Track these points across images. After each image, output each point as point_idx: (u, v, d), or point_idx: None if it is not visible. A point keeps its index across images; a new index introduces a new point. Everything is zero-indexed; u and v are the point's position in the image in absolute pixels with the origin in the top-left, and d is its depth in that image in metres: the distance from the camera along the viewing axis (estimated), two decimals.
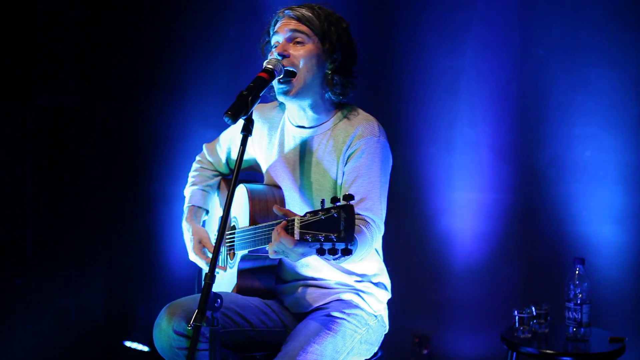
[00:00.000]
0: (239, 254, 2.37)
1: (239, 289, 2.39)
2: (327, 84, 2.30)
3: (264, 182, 2.49)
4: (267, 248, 2.01)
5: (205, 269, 2.51)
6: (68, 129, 4.03)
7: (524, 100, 3.45)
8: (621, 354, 2.79)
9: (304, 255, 1.94)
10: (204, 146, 2.68)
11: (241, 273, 2.39)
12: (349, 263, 2.21)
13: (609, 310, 3.16)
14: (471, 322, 3.55)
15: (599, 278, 3.11)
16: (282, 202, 2.37)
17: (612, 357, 2.76)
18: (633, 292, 3.22)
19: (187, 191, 2.62)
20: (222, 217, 1.97)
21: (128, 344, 3.99)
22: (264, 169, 2.49)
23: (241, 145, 2.05)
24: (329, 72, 2.28)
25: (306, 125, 2.37)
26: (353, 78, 2.32)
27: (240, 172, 2.03)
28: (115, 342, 4.02)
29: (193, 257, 2.52)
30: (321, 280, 2.38)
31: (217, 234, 2.50)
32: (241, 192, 2.40)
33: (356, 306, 2.36)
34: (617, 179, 3.25)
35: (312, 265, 2.37)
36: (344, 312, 2.31)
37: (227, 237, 2.51)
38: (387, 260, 2.49)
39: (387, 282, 2.46)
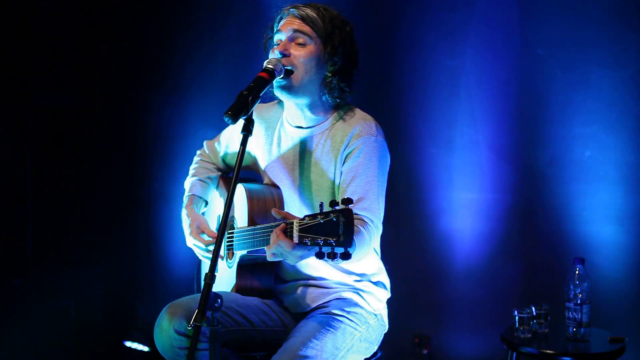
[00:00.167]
0: (238, 253, 2.37)
1: (238, 288, 2.39)
2: (326, 87, 2.29)
3: (264, 182, 2.49)
4: (265, 250, 2.01)
5: (202, 253, 2.51)
6: (68, 129, 4.03)
7: (524, 100, 3.45)
8: (621, 354, 2.79)
9: (302, 258, 1.94)
10: (204, 143, 2.70)
11: (240, 273, 2.39)
12: (346, 264, 2.21)
13: (609, 310, 3.16)
14: (471, 322, 3.55)
15: (599, 278, 3.11)
16: (280, 202, 2.37)
17: (612, 357, 2.76)
18: (633, 292, 3.22)
19: (188, 182, 2.63)
20: (221, 217, 1.97)
21: (128, 344, 3.99)
22: (262, 168, 2.49)
23: (241, 145, 2.05)
24: (329, 74, 2.28)
25: (304, 126, 2.37)
26: (352, 82, 2.32)
27: (240, 172, 2.04)
28: (115, 342, 4.02)
29: (190, 241, 2.50)
30: (321, 279, 2.39)
31: (216, 232, 2.51)
32: (240, 192, 2.40)
33: (356, 304, 2.36)
34: (617, 179, 3.25)
35: (312, 265, 2.37)
36: (344, 310, 2.32)
37: (226, 237, 2.51)
38: (386, 260, 2.49)
39: (386, 281, 2.47)
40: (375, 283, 2.42)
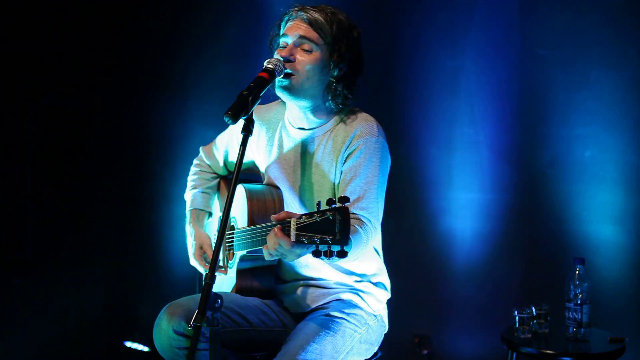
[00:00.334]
0: (238, 254, 2.37)
1: (239, 289, 2.39)
2: (330, 92, 2.28)
3: (264, 182, 2.49)
4: (263, 250, 2.01)
5: (204, 273, 2.51)
6: (68, 129, 4.03)
7: (524, 100, 3.45)
8: (621, 355, 2.79)
9: (300, 256, 1.95)
10: (200, 149, 2.68)
11: (240, 273, 2.39)
12: (344, 262, 2.21)
13: (609, 311, 3.15)
14: (471, 322, 3.55)
15: (599, 278, 3.10)
16: (280, 202, 2.37)
17: (612, 358, 2.76)
18: (633, 292, 3.22)
19: (188, 195, 2.62)
20: (221, 218, 1.97)
21: (128, 344, 3.99)
22: (262, 170, 2.49)
23: (242, 145, 2.05)
24: (333, 80, 2.26)
25: (306, 127, 2.36)
26: (356, 87, 2.32)
27: (240, 173, 2.04)
28: (115, 342, 4.02)
29: (193, 262, 2.53)
30: (321, 280, 2.38)
31: (216, 234, 2.51)
32: (240, 193, 2.40)
33: (356, 306, 2.36)
34: (617, 179, 3.25)
35: (312, 265, 2.37)
36: (344, 312, 2.32)
37: (226, 237, 2.51)
38: (387, 260, 2.49)
39: (386, 281, 2.46)
40: (376, 284, 2.42)
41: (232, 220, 2.48)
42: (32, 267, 3.86)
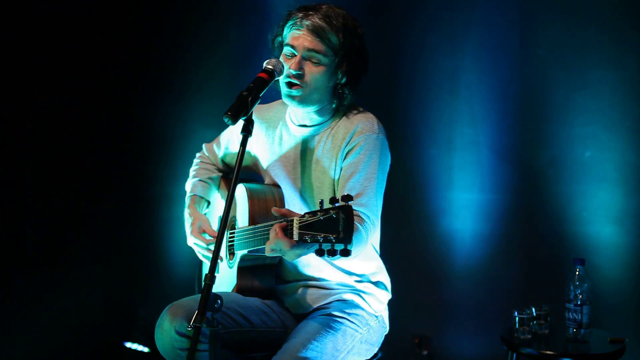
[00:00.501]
0: (239, 253, 2.37)
1: (239, 288, 2.39)
2: (336, 95, 2.31)
3: (264, 182, 2.50)
4: (265, 246, 2.02)
5: (202, 252, 2.51)
6: (68, 129, 4.03)
7: (524, 100, 3.45)
8: (621, 355, 2.79)
9: (299, 255, 1.96)
10: (203, 145, 2.70)
11: (241, 273, 2.39)
12: (343, 261, 2.22)
13: (610, 311, 3.15)
14: (471, 322, 3.55)
15: (599, 279, 3.10)
16: (281, 201, 2.38)
17: (612, 358, 2.76)
18: (633, 293, 3.22)
19: (189, 183, 2.63)
20: (222, 217, 1.97)
21: (128, 344, 3.99)
22: (263, 168, 2.49)
23: (241, 145, 2.06)
24: (340, 84, 2.29)
25: (308, 124, 2.37)
26: (358, 85, 2.33)
27: (240, 173, 2.04)
28: (115, 343, 4.02)
29: (191, 240, 2.50)
30: (322, 280, 2.39)
31: (214, 229, 2.51)
32: (241, 192, 2.40)
33: (357, 306, 2.36)
34: (617, 180, 3.25)
35: (313, 265, 2.38)
36: (345, 312, 2.32)
37: (226, 237, 2.51)
38: (387, 261, 2.49)
39: (386, 281, 2.47)
40: (376, 283, 2.42)
41: (232, 219, 2.48)
42: (32, 267, 3.86)
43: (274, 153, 2.43)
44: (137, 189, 4.19)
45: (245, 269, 2.39)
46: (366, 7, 3.59)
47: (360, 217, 2.14)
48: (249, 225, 2.32)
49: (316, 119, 2.35)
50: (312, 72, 2.24)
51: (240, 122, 2.08)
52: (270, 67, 2.18)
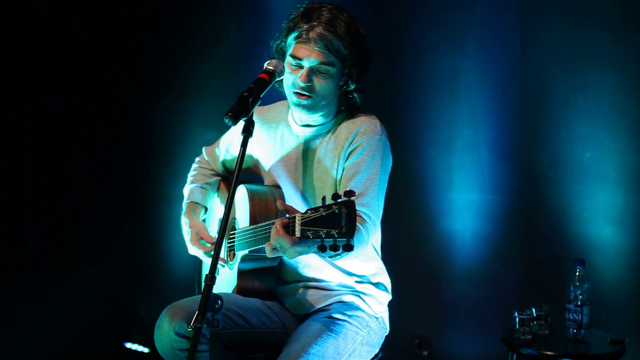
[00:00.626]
0: (239, 254, 2.37)
1: (240, 289, 2.39)
2: (343, 99, 2.33)
3: (265, 183, 2.50)
4: (265, 246, 2.01)
5: (205, 259, 2.51)
6: (68, 129, 4.03)
7: (524, 101, 3.45)
8: (621, 356, 2.79)
9: (300, 253, 1.95)
10: (203, 149, 2.69)
11: (241, 274, 2.39)
12: (344, 260, 2.22)
13: (610, 312, 3.15)
14: (471, 323, 3.55)
15: (599, 279, 3.10)
16: (282, 201, 2.37)
17: (612, 359, 2.76)
18: (634, 293, 3.22)
19: (186, 189, 2.63)
20: (222, 218, 1.97)
21: (128, 345, 3.99)
22: (265, 169, 2.49)
23: (242, 146, 2.06)
24: (348, 90, 2.31)
25: (312, 124, 2.37)
26: (361, 84, 2.34)
27: (241, 174, 2.04)
28: (115, 343, 4.02)
29: (192, 249, 2.51)
30: (322, 281, 2.39)
31: (217, 235, 2.51)
32: (241, 193, 2.41)
33: (357, 308, 2.36)
34: (617, 180, 3.25)
35: (313, 266, 2.38)
36: (345, 314, 2.32)
37: (227, 238, 2.51)
38: (387, 261, 2.49)
39: (386, 282, 2.47)
40: (376, 284, 2.42)
41: (232, 221, 2.48)
42: (32, 267, 3.86)
43: (276, 154, 2.43)
44: (137, 190, 4.19)
45: (245, 270, 2.39)
46: (366, 7, 3.59)
47: (362, 217, 2.14)
48: (250, 226, 2.32)
49: (320, 119, 2.36)
50: (321, 83, 2.24)
51: (241, 123, 2.08)
52: (271, 68, 2.19)
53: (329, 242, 1.78)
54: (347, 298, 2.36)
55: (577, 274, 2.82)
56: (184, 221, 2.54)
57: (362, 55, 2.29)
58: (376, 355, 2.43)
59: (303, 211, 1.85)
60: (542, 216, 3.42)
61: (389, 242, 2.54)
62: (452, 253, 3.56)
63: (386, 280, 2.47)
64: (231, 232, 2.48)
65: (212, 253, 2.38)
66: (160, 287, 4.10)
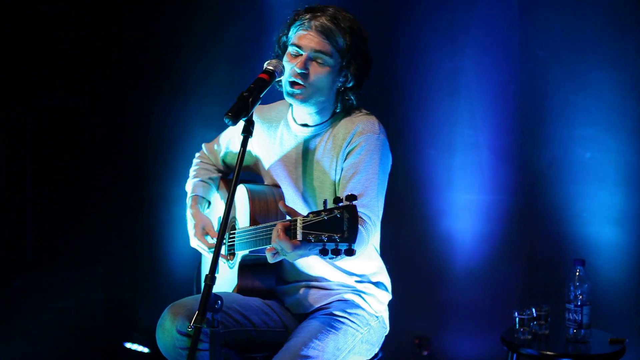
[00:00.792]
0: (240, 254, 2.37)
1: (240, 289, 2.39)
2: (340, 98, 2.32)
3: (265, 182, 2.50)
4: (266, 253, 2.01)
5: (207, 255, 2.51)
6: (68, 129, 4.03)
7: (524, 101, 3.45)
8: (621, 356, 2.79)
9: (301, 256, 1.96)
10: (203, 145, 2.70)
11: (242, 273, 2.39)
12: (345, 261, 2.22)
13: (610, 312, 3.16)
14: (471, 323, 3.55)
15: (599, 279, 3.10)
16: (283, 201, 2.37)
17: (612, 359, 2.76)
18: (633, 293, 3.22)
19: (189, 184, 2.63)
20: (222, 218, 1.97)
21: (128, 345, 3.98)
22: (265, 168, 2.49)
23: (242, 146, 2.06)
24: (342, 86, 2.30)
25: (310, 124, 2.37)
26: (361, 87, 2.33)
27: (241, 173, 2.04)
28: (115, 343, 4.01)
29: (194, 242, 2.51)
30: (322, 281, 2.39)
31: (217, 231, 2.51)
32: (241, 192, 2.41)
33: (358, 306, 2.36)
34: (617, 180, 3.25)
35: (314, 266, 2.38)
36: (346, 312, 2.32)
37: (227, 237, 2.52)
38: (387, 261, 2.49)
39: (386, 281, 2.47)
40: (376, 284, 2.42)
41: (233, 220, 2.48)
42: (32, 267, 3.86)
43: (275, 153, 2.44)
44: (137, 189, 4.19)
45: (246, 270, 2.39)
46: (366, 7, 3.59)
47: (362, 217, 2.13)
48: (250, 225, 2.33)
49: (318, 119, 2.36)
50: (317, 72, 2.24)
51: (241, 123, 2.08)
52: (271, 68, 2.19)
53: (330, 246, 1.79)
54: (348, 296, 2.37)
55: (577, 274, 2.82)
56: (190, 213, 2.54)
57: (362, 55, 2.28)
58: (376, 355, 2.43)
59: (304, 213, 1.85)
60: (542, 216, 3.42)
61: (389, 242, 2.54)
62: (452, 253, 3.56)
63: (386, 279, 2.47)
64: (231, 232, 2.48)
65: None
66: (160, 287, 4.10)
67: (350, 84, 2.30)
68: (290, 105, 2.40)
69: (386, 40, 3.64)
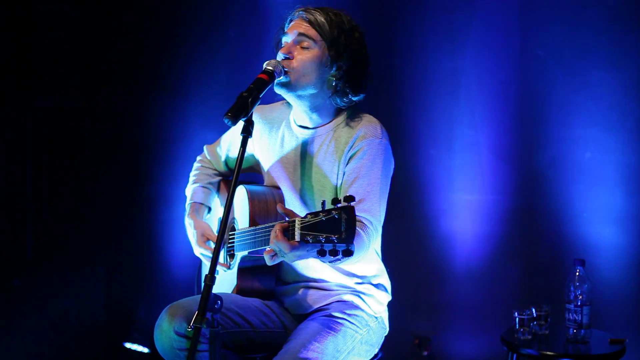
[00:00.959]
0: (239, 255, 2.37)
1: (239, 290, 2.39)
2: (329, 89, 2.29)
3: (264, 184, 2.50)
4: (264, 255, 2.01)
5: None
6: (68, 129, 4.03)
7: (524, 101, 3.45)
8: (621, 356, 2.79)
9: (300, 258, 1.95)
10: (204, 147, 2.69)
11: (241, 274, 2.39)
12: (345, 265, 2.21)
13: (610, 312, 3.16)
14: (471, 323, 3.55)
15: (599, 279, 3.11)
16: (282, 203, 2.37)
17: (612, 359, 2.76)
18: (633, 293, 3.22)
19: (189, 189, 2.62)
20: (221, 219, 1.97)
21: (128, 345, 3.99)
22: (264, 169, 2.49)
23: (241, 146, 2.05)
24: (332, 77, 2.27)
25: (309, 126, 2.37)
26: (360, 87, 2.31)
27: (240, 174, 2.04)
28: (115, 343, 4.02)
29: (198, 250, 2.50)
30: (322, 281, 2.39)
31: (217, 235, 2.51)
32: (241, 193, 2.40)
33: (357, 307, 2.36)
34: (617, 181, 3.25)
35: (313, 267, 2.37)
36: (345, 313, 2.32)
37: (227, 238, 2.51)
38: (386, 262, 2.49)
39: (387, 283, 2.46)
40: (376, 285, 2.42)
41: (232, 221, 2.48)
42: (32, 267, 3.86)
43: (275, 154, 2.43)
44: (137, 190, 4.19)
45: (245, 270, 2.39)
46: (366, 7, 3.59)
47: (363, 222, 2.13)
48: (249, 226, 2.32)
49: (316, 119, 2.35)
50: (301, 55, 2.24)
51: (241, 123, 2.08)
52: (270, 68, 2.18)
53: (328, 246, 1.78)
54: (347, 297, 2.36)
55: (577, 274, 2.82)
56: (188, 222, 2.53)
57: (353, 50, 2.27)
58: (376, 355, 2.43)
59: (302, 215, 1.85)
60: (542, 216, 3.42)
61: (389, 242, 2.54)
62: (452, 253, 3.56)
63: (386, 281, 2.47)
64: (231, 233, 2.48)
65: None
66: (160, 287, 4.10)
67: (345, 81, 2.27)
68: (291, 106, 2.40)
69: (386, 40, 3.64)
